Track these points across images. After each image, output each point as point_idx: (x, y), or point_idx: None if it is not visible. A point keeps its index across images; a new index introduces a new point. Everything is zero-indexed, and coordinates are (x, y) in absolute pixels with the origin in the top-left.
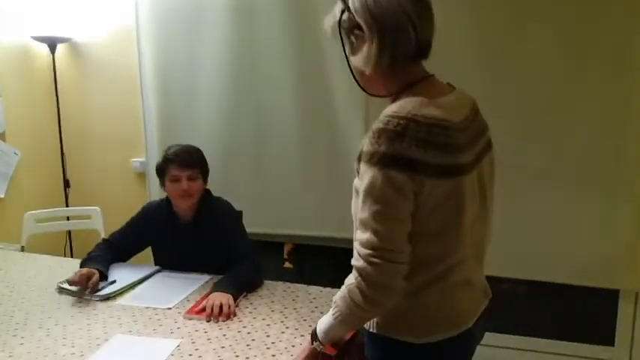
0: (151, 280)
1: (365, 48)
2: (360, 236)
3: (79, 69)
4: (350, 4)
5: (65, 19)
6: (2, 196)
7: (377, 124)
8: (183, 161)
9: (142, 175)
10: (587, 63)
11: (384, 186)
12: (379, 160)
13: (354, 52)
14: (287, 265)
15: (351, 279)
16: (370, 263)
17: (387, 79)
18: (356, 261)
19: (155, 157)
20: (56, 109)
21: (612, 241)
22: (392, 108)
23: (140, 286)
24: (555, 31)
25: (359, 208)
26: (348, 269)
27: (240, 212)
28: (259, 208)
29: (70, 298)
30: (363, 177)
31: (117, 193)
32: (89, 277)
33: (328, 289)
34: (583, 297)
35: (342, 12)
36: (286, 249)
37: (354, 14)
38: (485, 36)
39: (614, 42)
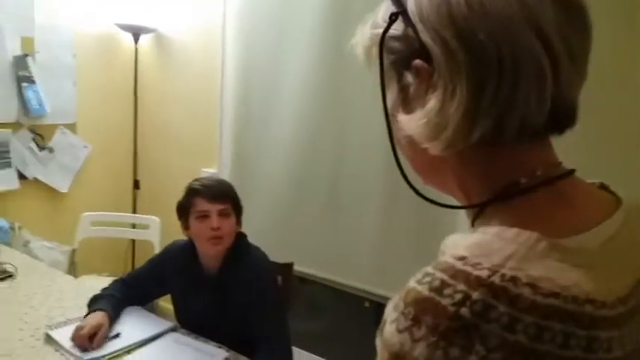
0: (155, 343)
1: (433, 102)
2: None
3: (161, 63)
4: (409, 6)
5: (152, 9)
6: (65, 191)
7: (415, 284)
8: (214, 193)
9: None
10: None
11: None
12: None
13: (406, 105)
14: (367, 304)
15: None
16: None
17: (471, 172)
18: None
19: (227, 171)
20: (134, 104)
21: None
22: (458, 248)
23: (138, 352)
24: None
25: None
26: None
27: (291, 264)
28: (331, 250)
29: (51, 351)
30: None
31: None
32: (93, 333)
33: None
34: None
35: (392, 19)
36: None
37: (418, 28)
38: None
39: None
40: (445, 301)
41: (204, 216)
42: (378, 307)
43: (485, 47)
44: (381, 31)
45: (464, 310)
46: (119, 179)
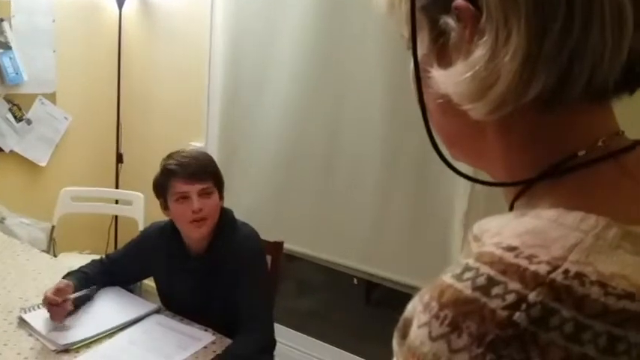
0: (138, 326)
1: (481, 51)
2: None
3: (147, 30)
4: None
5: None
6: (44, 164)
7: (453, 280)
8: (192, 172)
9: None
10: None
11: None
12: None
13: (442, 57)
14: (355, 281)
15: None
16: None
17: (516, 141)
18: None
19: (215, 144)
20: (117, 73)
21: None
22: (505, 235)
23: (120, 335)
24: None
25: None
26: None
27: (281, 243)
28: (322, 228)
29: (25, 335)
30: None
31: None
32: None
33: None
34: None
35: None
36: None
37: None
38: None
39: None
40: (494, 304)
41: (184, 197)
42: (367, 284)
43: None
44: None
45: (518, 315)
46: (101, 152)
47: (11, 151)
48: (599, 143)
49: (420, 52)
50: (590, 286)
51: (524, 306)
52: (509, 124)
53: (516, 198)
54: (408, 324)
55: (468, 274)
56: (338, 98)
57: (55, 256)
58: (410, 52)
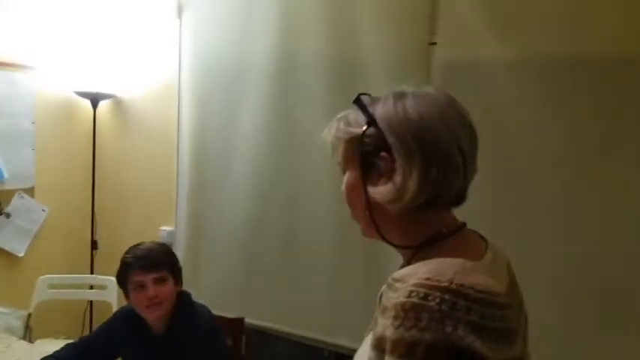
0: None
1: (398, 179)
2: None
3: (119, 127)
4: (378, 118)
5: (109, 75)
6: (21, 255)
7: (406, 299)
8: (146, 264)
9: None
10: None
11: None
12: (428, 353)
13: (374, 181)
14: (326, 354)
15: None
16: None
17: (410, 225)
18: None
19: (183, 228)
20: (92, 166)
21: None
22: (420, 273)
23: None
24: None
25: None
26: None
27: (241, 319)
28: (287, 303)
29: None
30: None
31: None
32: None
33: None
34: None
35: (368, 126)
36: None
37: (385, 132)
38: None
39: None
40: (431, 304)
41: (141, 286)
42: (336, 357)
43: (432, 149)
44: (359, 131)
45: (444, 306)
46: (77, 240)
47: None
48: (449, 225)
49: (355, 175)
50: (467, 289)
51: (444, 302)
52: (407, 215)
53: (411, 258)
54: (382, 338)
55: (414, 294)
56: (294, 186)
57: (31, 342)
58: (342, 172)
